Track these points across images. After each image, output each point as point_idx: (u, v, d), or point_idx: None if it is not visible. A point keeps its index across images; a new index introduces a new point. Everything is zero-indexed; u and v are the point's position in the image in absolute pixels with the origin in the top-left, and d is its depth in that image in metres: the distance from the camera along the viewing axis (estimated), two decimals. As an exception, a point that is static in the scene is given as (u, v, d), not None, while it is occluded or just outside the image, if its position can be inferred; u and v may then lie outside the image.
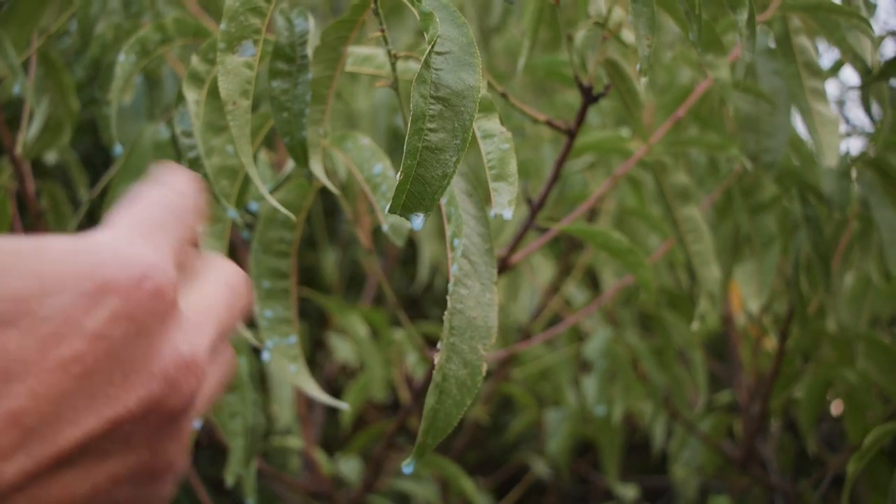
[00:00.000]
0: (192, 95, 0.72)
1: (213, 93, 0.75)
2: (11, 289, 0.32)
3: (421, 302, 2.23)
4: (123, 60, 0.88)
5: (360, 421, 1.55)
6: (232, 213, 0.75)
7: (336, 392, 1.52)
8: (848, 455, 1.44)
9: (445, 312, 0.59)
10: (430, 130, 0.53)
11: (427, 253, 1.39)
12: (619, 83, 0.81)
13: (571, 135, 0.78)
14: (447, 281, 0.60)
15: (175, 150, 0.81)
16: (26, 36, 1.09)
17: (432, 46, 0.53)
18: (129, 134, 1.24)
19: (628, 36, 0.78)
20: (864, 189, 1.09)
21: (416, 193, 0.53)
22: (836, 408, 1.70)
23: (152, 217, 0.39)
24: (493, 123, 0.61)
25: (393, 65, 0.63)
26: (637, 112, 0.83)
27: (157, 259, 0.35)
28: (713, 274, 0.96)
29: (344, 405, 0.82)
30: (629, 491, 1.52)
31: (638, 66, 0.63)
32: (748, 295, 1.10)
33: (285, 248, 0.83)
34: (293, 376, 0.82)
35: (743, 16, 0.71)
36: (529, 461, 1.68)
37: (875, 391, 1.37)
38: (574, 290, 1.42)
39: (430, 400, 0.59)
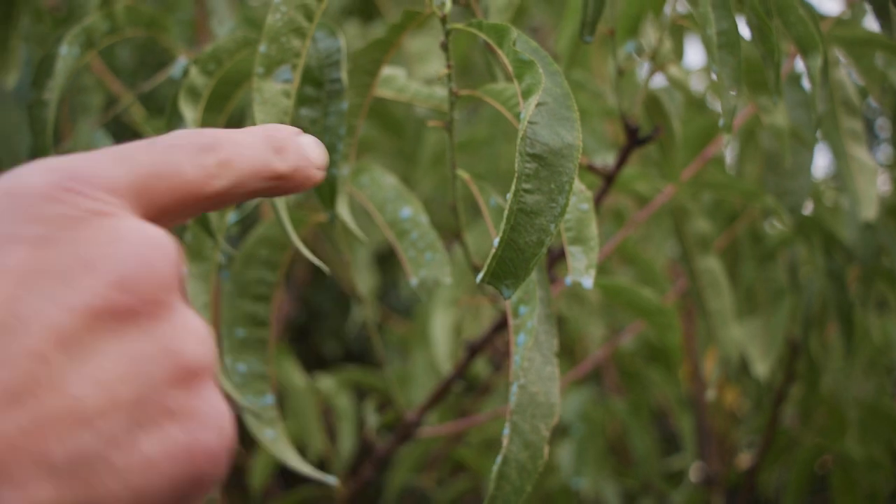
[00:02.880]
0: (189, 113, 0.77)
1: (210, 109, 0.80)
2: None
3: (311, 333, 2.29)
4: (66, 53, 0.92)
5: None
6: (225, 249, 0.80)
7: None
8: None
9: (511, 388, 0.66)
10: (526, 192, 0.60)
11: (367, 282, 1.46)
12: (657, 119, 0.90)
13: (610, 179, 0.86)
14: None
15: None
16: None
17: (533, 99, 0.60)
18: (12, 120, 1.27)
19: (675, 72, 0.87)
20: (888, 241, 1.21)
21: (509, 261, 0.60)
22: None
23: None
24: (572, 180, 0.68)
25: (452, 104, 0.70)
26: (673, 153, 0.92)
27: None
28: (733, 336, 1.06)
29: (332, 479, 0.88)
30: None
31: (721, 122, 0.71)
32: (754, 357, 1.20)
33: (265, 291, 0.89)
34: (270, 444, 0.87)
35: (817, 60, 0.81)
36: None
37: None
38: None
39: (490, 487, 0.66)
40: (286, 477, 1.69)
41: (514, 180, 0.60)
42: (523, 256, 0.60)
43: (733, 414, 1.76)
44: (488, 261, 0.60)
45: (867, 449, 1.45)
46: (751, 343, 1.21)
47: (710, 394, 1.14)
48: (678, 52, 0.86)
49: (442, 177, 1.42)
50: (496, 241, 0.59)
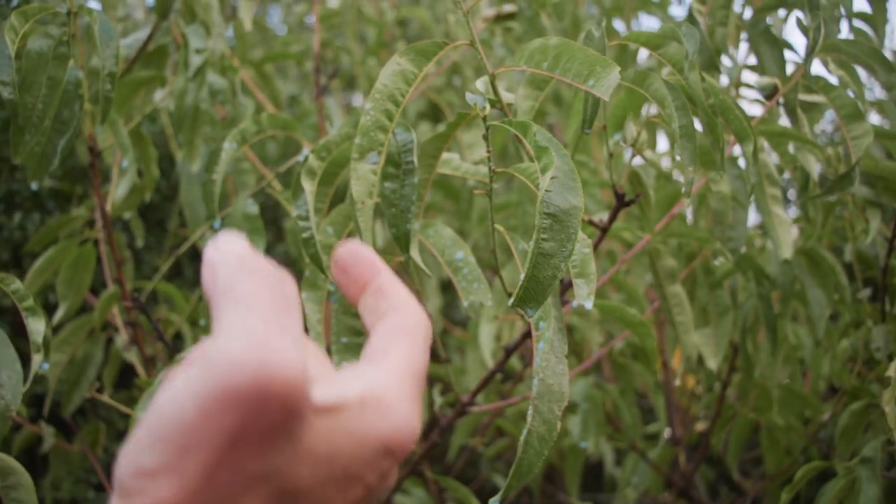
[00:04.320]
0: (308, 186, 0.75)
1: (322, 184, 0.78)
2: None
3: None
4: (228, 147, 0.91)
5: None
6: (332, 285, 0.78)
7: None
8: (767, 482, 1.51)
9: (534, 380, 0.63)
10: (543, 240, 0.57)
11: (436, 303, 1.43)
12: (637, 188, 0.86)
13: (604, 231, 0.82)
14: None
15: (262, 221, 0.84)
16: (123, 115, 1.10)
17: (549, 174, 0.57)
18: (195, 194, 1.26)
19: (649, 154, 0.83)
20: (799, 273, 1.16)
21: (532, 290, 0.57)
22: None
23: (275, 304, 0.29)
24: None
25: (491, 178, 0.67)
26: (649, 212, 0.88)
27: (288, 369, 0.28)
28: (693, 340, 1.01)
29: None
30: (587, 508, 1.56)
31: (683, 189, 0.68)
32: (707, 355, 1.15)
33: (362, 310, 0.86)
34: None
35: (749, 147, 0.77)
36: (493, 479, 1.72)
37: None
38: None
39: (518, 451, 0.62)
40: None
41: (535, 232, 0.57)
42: (542, 287, 0.57)
43: (693, 394, 1.70)
44: (517, 290, 0.56)
45: (786, 418, 1.39)
46: (705, 345, 1.16)
47: (678, 381, 1.10)
48: (651, 141, 0.83)
49: (486, 229, 1.38)
50: (522, 276, 0.56)
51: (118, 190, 1.14)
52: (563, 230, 0.57)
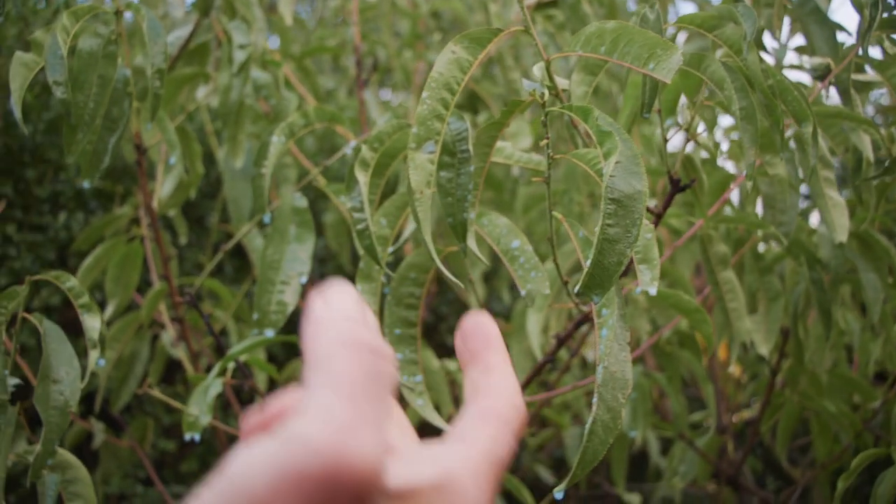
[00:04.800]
0: (361, 177, 0.75)
1: (375, 175, 0.78)
2: None
3: (438, 331, 2.26)
4: (276, 141, 0.91)
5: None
6: (386, 273, 0.78)
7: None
8: (819, 470, 1.50)
9: (598, 369, 0.62)
10: (608, 226, 0.56)
11: (480, 293, 1.42)
12: (692, 173, 0.85)
13: (659, 216, 0.81)
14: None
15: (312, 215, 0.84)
16: (168, 112, 1.11)
17: (613, 159, 0.56)
18: (239, 189, 1.26)
19: (705, 139, 0.82)
20: (851, 256, 1.14)
21: (597, 276, 0.57)
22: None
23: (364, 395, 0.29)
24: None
25: (549, 165, 0.67)
26: (703, 196, 0.87)
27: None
28: (746, 326, 1.00)
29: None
30: (634, 498, 1.55)
31: (744, 172, 0.67)
32: (758, 341, 1.14)
33: (414, 302, 0.86)
34: (420, 409, 0.84)
35: (809, 128, 0.76)
36: (537, 470, 1.71)
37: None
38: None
39: (583, 439, 0.62)
40: (422, 432, 1.67)
41: (601, 217, 0.56)
42: (608, 273, 0.56)
43: (738, 382, 1.68)
44: (582, 277, 0.56)
45: (836, 405, 1.37)
46: (756, 331, 1.15)
47: (732, 368, 1.09)
48: (711, 125, 0.82)
49: (530, 220, 1.38)
50: (588, 262, 0.56)
51: (164, 187, 1.15)
52: (628, 215, 0.56)
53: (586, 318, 0.91)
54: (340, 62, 1.98)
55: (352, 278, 0.83)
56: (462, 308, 2.06)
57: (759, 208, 1.20)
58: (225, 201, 1.60)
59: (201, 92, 1.23)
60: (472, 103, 1.64)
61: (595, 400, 0.62)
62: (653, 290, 0.61)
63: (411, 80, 1.77)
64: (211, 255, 1.63)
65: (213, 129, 1.40)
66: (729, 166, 1.28)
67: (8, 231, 1.51)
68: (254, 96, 1.08)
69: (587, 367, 1.52)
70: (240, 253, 1.75)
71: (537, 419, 1.45)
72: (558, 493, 0.64)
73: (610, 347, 0.64)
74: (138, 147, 1.06)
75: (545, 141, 0.64)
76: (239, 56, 1.05)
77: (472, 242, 0.71)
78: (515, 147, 1.01)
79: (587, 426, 0.62)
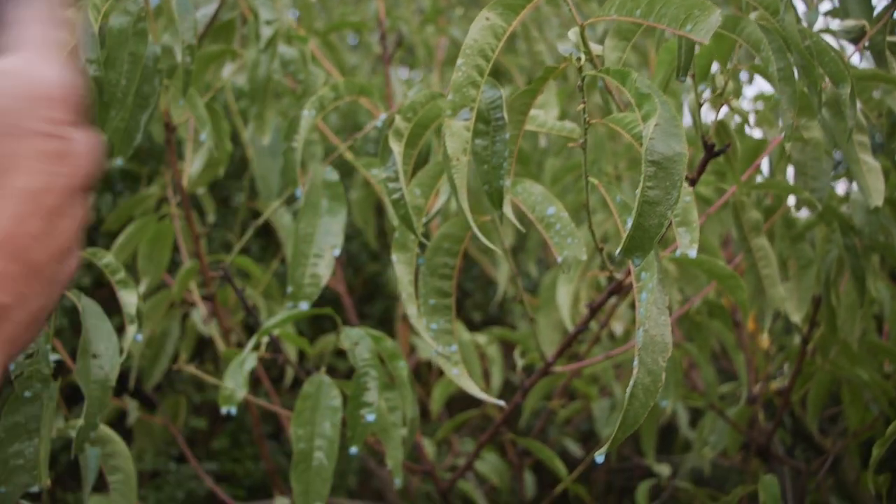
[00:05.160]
0: (396, 147, 0.75)
1: (408, 145, 0.78)
2: None
3: (464, 307, 2.26)
4: (307, 115, 0.91)
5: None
6: (421, 243, 0.78)
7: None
8: (850, 439, 1.49)
9: (637, 332, 0.63)
10: (648, 188, 0.56)
11: (506, 269, 1.43)
12: (725, 139, 0.85)
13: (693, 182, 0.81)
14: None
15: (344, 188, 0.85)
16: (196, 90, 1.11)
17: (652, 121, 0.56)
18: (267, 166, 1.27)
19: (737, 104, 0.81)
20: (886, 222, 1.13)
21: (637, 239, 0.57)
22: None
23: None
24: (678, 180, 0.64)
25: (585, 131, 0.67)
26: (736, 163, 0.86)
27: None
28: (780, 293, 1.00)
29: (501, 402, 0.85)
30: (664, 469, 1.55)
31: (782, 134, 0.66)
32: (791, 309, 1.13)
33: (448, 272, 0.86)
34: (456, 378, 0.85)
35: (846, 89, 0.75)
36: (564, 443, 1.72)
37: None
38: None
39: (624, 403, 0.62)
40: (450, 408, 1.68)
41: (641, 180, 0.56)
42: (648, 235, 0.56)
43: (766, 352, 1.68)
44: (623, 240, 0.56)
45: (869, 373, 1.37)
46: (788, 300, 1.14)
47: (763, 338, 1.09)
48: (737, 90, 0.81)
49: (559, 192, 1.37)
50: (628, 224, 0.56)
51: (194, 164, 1.15)
52: (668, 177, 0.56)
53: (618, 288, 0.91)
54: (363, 39, 1.97)
55: (377, 256, 0.83)
56: (487, 283, 2.07)
57: (789, 176, 1.19)
58: (251, 180, 1.60)
59: (227, 70, 1.23)
60: (495, 75, 1.63)
61: (636, 363, 0.62)
62: (692, 253, 0.61)
63: (433, 56, 1.76)
64: (239, 233, 1.64)
65: (238, 109, 1.41)
66: (756, 134, 1.27)
67: (38, 213, 1.53)
68: (281, 72, 1.09)
69: (615, 340, 1.52)
70: (265, 232, 1.76)
71: (566, 391, 1.46)
72: (599, 457, 0.64)
73: (650, 311, 0.64)
74: (167, 125, 1.07)
75: (581, 105, 0.64)
76: (266, 32, 1.06)
77: (508, 210, 0.72)
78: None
79: (628, 390, 0.62)
